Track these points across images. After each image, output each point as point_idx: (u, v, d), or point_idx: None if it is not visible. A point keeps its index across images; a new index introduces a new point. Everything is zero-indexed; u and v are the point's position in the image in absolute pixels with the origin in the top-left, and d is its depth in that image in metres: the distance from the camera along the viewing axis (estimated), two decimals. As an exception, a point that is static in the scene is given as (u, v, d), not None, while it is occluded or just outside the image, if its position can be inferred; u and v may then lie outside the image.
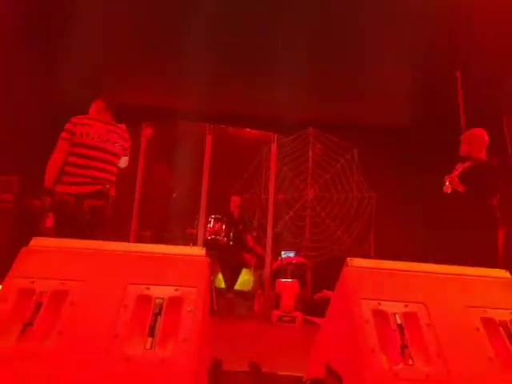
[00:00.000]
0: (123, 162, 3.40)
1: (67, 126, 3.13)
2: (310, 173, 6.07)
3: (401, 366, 1.09)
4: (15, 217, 4.59)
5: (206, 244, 5.18)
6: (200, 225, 5.32)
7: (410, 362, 1.10)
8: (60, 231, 3.06)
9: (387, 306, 1.20)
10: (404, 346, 1.12)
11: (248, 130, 6.26)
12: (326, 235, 5.99)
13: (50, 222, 3.37)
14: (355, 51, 4.88)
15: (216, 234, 5.13)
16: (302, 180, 6.09)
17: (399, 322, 1.17)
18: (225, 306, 4.80)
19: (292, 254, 5.83)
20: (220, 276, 5.10)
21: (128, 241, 5.23)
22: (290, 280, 4.68)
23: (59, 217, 3.11)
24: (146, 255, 1.26)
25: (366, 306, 1.19)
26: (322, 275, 5.79)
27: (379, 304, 1.20)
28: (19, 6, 4.42)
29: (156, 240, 5.68)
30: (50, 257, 1.22)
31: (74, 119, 3.18)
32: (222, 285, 5.04)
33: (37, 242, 1.26)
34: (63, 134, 3.11)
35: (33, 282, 1.15)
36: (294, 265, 5.35)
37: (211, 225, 5.33)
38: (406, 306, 1.20)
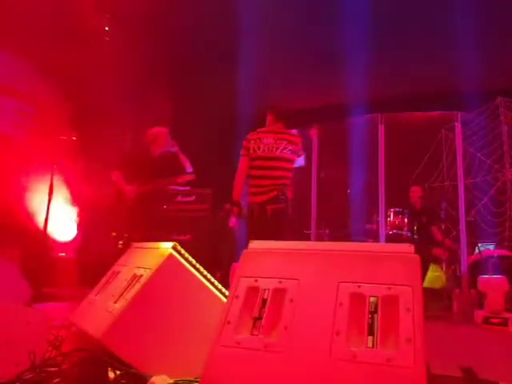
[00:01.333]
0: (299, 161, 3.67)
1: (244, 143, 3.65)
2: (507, 150, 5.18)
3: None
4: (210, 222, 5.36)
5: (388, 239, 4.96)
6: (380, 220, 5.13)
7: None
8: (251, 235, 3.49)
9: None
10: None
11: (422, 113, 5.74)
12: (535, 221, 5.02)
13: (232, 222, 3.95)
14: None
15: (398, 228, 4.87)
16: (495, 160, 5.25)
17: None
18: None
19: (492, 247, 5.09)
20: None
21: (309, 239, 5.44)
22: (496, 276, 4.05)
23: (249, 223, 3.57)
24: (357, 254, 1.26)
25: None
26: (534, 269, 4.88)
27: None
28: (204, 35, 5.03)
29: (334, 238, 5.74)
30: (267, 257, 1.34)
31: (249, 136, 3.66)
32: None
33: (254, 244, 1.40)
34: (241, 151, 3.63)
35: (256, 281, 1.28)
36: (497, 258, 4.64)
37: (391, 219, 5.08)
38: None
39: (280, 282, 1.27)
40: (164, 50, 5.18)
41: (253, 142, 3.57)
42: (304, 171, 5.57)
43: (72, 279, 4.18)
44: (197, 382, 1.45)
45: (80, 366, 1.53)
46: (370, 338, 1.11)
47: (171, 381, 1.46)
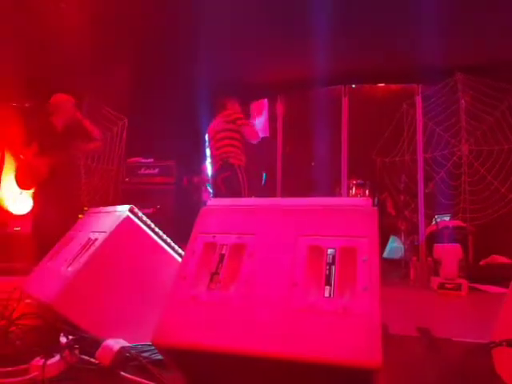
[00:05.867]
0: (247, 135, 3.95)
1: None
2: (464, 125, 5.35)
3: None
4: (174, 195, 5.30)
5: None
6: (342, 191, 5.22)
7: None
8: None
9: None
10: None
11: (385, 85, 5.79)
12: (488, 194, 5.26)
13: (206, 195, 4.10)
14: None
15: (360, 199, 4.97)
16: (453, 134, 5.41)
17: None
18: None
19: (447, 218, 5.31)
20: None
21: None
22: (451, 244, 4.24)
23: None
24: (314, 208, 1.25)
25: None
26: (485, 239, 5.16)
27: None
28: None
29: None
30: (226, 214, 1.31)
31: None
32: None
33: (213, 202, 1.36)
34: None
35: (214, 237, 1.25)
36: (452, 229, 4.84)
37: (353, 191, 5.18)
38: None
39: (239, 237, 1.24)
40: (125, 18, 4.90)
41: None
42: (269, 145, 5.56)
43: (28, 254, 4.00)
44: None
45: (29, 333, 1.46)
46: (328, 288, 1.11)
47: (126, 344, 1.42)
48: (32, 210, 3.95)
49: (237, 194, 3.73)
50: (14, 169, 4.10)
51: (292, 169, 5.78)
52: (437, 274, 4.17)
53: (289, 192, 5.65)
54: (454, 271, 4.00)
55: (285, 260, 1.16)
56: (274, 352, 1.02)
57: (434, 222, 5.12)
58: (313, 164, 5.92)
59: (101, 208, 2.04)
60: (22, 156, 3.95)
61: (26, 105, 4.10)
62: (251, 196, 3.87)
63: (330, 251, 1.17)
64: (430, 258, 4.49)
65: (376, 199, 5.00)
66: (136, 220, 1.69)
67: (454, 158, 5.49)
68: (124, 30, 5.10)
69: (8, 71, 4.50)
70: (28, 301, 1.84)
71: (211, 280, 1.18)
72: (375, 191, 5.00)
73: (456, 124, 5.44)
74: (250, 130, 3.99)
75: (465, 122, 5.40)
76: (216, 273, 1.19)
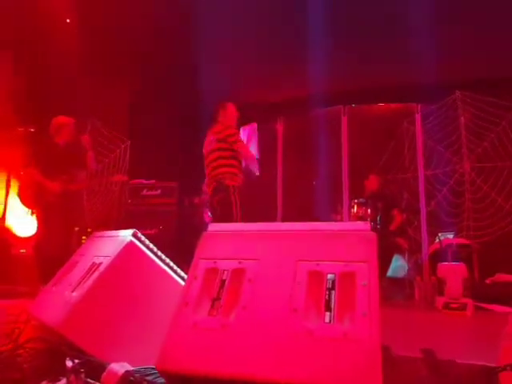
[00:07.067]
0: (242, 154, 3.73)
1: None
2: (464, 142, 5.38)
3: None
4: (176, 216, 5.30)
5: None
6: (344, 210, 5.22)
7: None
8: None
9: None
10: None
11: (384, 104, 5.86)
12: (492, 211, 5.24)
13: (207, 216, 4.00)
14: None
15: (361, 218, 4.97)
16: (454, 152, 5.44)
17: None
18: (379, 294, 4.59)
19: (451, 236, 5.28)
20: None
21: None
22: (455, 263, 4.21)
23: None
24: (314, 233, 1.27)
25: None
26: (490, 257, 5.12)
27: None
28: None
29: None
30: (227, 239, 1.33)
31: None
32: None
33: (213, 227, 1.39)
34: None
35: (215, 262, 1.27)
36: (456, 247, 4.82)
37: (355, 210, 5.18)
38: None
39: (239, 262, 1.26)
40: (126, 38, 5.03)
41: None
42: (270, 165, 5.60)
43: (33, 276, 4.02)
44: (157, 368, 1.43)
45: (35, 357, 1.47)
46: (328, 313, 1.12)
47: (131, 368, 1.42)
48: (36, 232, 3.98)
49: (229, 216, 3.54)
50: (17, 186, 4.16)
51: (293, 188, 5.80)
52: (441, 293, 4.13)
53: (290, 211, 5.67)
54: (459, 290, 3.96)
55: (285, 285, 1.18)
56: (275, 378, 1.03)
57: (437, 240, 5.10)
58: (314, 183, 5.95)
59: (104, 232, 2.07)
60: (22, 173, 4.00)
61: (31, 129, 4.19)
62: (243, 218, 3.65)
63: (329, 276, 1.18)
64: (434, 277, 4.45)
65: (379, 217, 4.99)
66: (139, 244, 1.71)
67: (456, 175, 5.50)
68: (125, 53, 5.24)
69: (12, 96, 4.61)
70: (34, 324, 1.86)
71: (212, 306, 1.20)
72: (376, 209, 5.00)
73: (457, 141, 5.48)
74: (243, 147, 3.79)
75: (465, 139, 5.43)
76: (217, 298, 1.21)
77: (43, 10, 4.59)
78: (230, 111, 3.90)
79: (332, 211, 5.54)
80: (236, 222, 3.52)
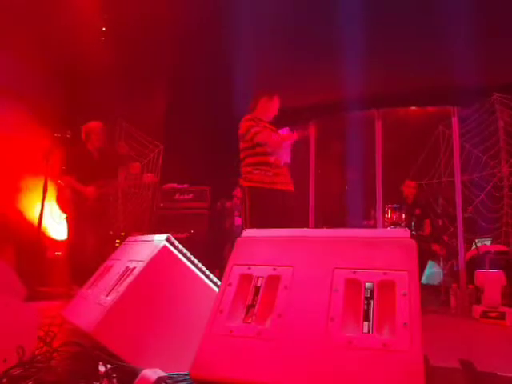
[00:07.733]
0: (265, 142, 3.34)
1: None
2: (503, 146, 5.16)
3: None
4: (208, 220, 5.32)
5: (386, 235, 4.94)
6: (378, 215, 5.11)
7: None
8: None
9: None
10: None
11: (419, 107, 5.71)
12: (533, 217, 5.00)
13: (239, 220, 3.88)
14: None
15: (396, 223, 4.85)
16: (492, 156, 5.23)
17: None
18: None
19: (488, 242, 5.08)
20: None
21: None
22: (493, 271, 4.04)
23: None
24: (352, 240, 1.23)
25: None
26: (531, 265, 4.86)
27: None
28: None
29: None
30: (261, 245, 1.32)
31: None
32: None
33: (247, 233, 1.38)
34: None
35: (249, 268, 1.26)
36: (494, 254, 4.62)
37: (389, 215, 5.06)
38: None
39: (274, 269, 1.24)
40: (160, 48, 5.15)
41: None
42: (302, 168, 5.56)
43: (68, 278, 4.14)
44: (191, 374, 1.42)
45: (69, 360, 1.50)
46: (366, 323, 1.09)
47: (164, 374, 1.42)
48: (68, 236, 4.09)
49: (243, 219, 3.31)
50: (55, 194, 4.31)
51: (325, 193, 5.72)
52: (479, 301, 3.97)
53: (321, 216, 5.59)
54: (497, 299, 3.79)
55: (321, 293, 1.15)
56: (311, 389, 1.00)
57: (473, 247, 4.91)
58: (346, 188, 5.85)
59: (138, 236, 2.10)
60: (60, 181, 4.15)
61: (68, 135, 4.33)
62: (254, 222, 3.17)
63: (367, 285, 1.15)
64: (471, 285, 4.28)
65: (413, 223, 4.85)
66: (173, 249, 1.72)
67: (495, 179, 5.29)
68: (161, 59, 5.36)
69: (51, 102, 4.79)
70: (68, 327, 1.90)
71: (247, 313, 1.18)
72: (411, 215, 4.86)
73: (495, 145, 5.27)
74: (264, 138, 3.31)
75: (504, 143, 5.21)
76: (252, 305, 1.19)
77: (81, 23, 4.78)
78: (274, 104, 3.56)
79: (364, 217, 5.44)
80: (245, 226, 3.21)
